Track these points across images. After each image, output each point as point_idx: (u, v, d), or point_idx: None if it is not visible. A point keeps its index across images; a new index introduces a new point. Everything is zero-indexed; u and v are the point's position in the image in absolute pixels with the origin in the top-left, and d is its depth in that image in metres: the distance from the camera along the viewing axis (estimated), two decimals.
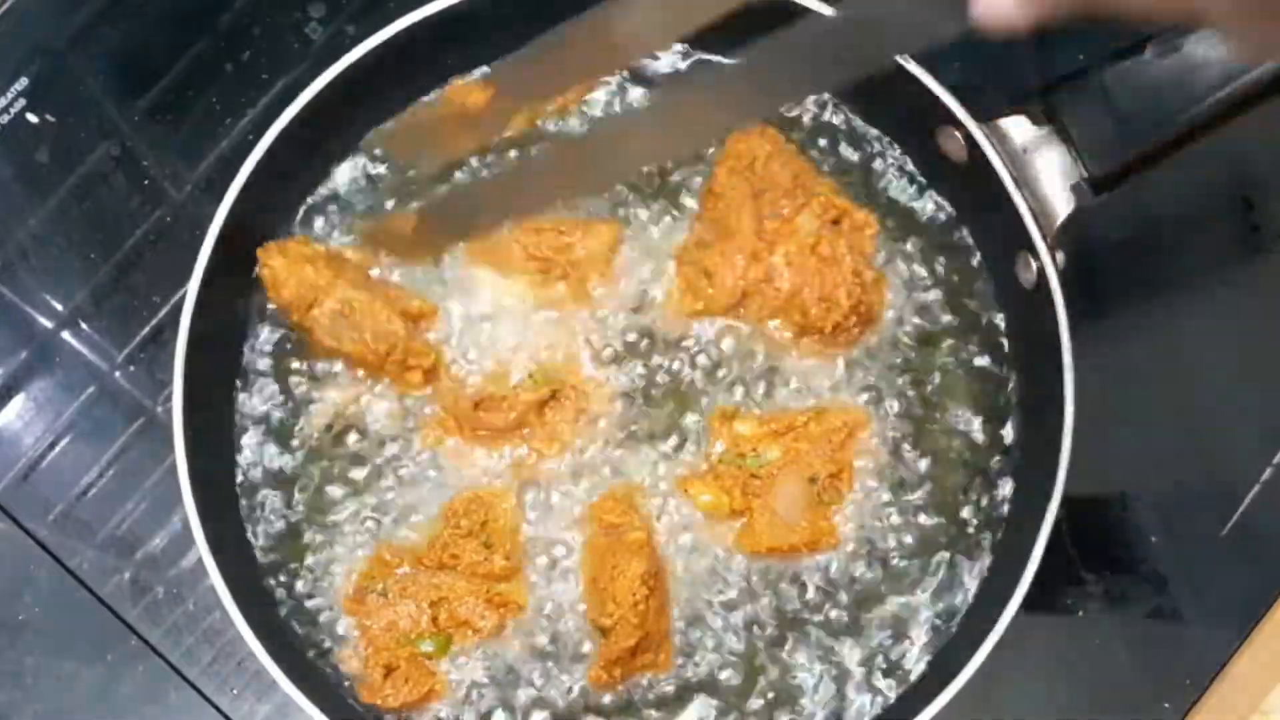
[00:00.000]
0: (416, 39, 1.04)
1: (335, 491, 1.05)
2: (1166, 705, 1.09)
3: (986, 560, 1.04)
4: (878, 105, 1.09)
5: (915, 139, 1.08)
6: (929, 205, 1.10)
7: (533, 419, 1.04)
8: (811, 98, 1.11)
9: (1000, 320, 1.08)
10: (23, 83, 1.19)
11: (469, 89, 1.07)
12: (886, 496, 1.05)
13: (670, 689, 1.02)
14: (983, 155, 0.99)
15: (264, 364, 1.08)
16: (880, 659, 1.03)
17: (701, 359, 1.07)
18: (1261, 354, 1.16)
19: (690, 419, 1.06)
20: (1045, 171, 0.98)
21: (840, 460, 1.04)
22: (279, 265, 1.02)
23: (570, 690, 1.02)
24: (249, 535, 1.05)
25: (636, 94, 1.11)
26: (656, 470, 1.05)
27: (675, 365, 1.07)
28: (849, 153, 1.11)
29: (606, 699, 1.02)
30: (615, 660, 0.99)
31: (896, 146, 1.10)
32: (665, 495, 1.04)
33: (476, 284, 1.07)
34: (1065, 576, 1.10)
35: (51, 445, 1.14)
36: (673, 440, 1.06)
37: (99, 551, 1.11)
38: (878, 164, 1.10)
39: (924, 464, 1.06)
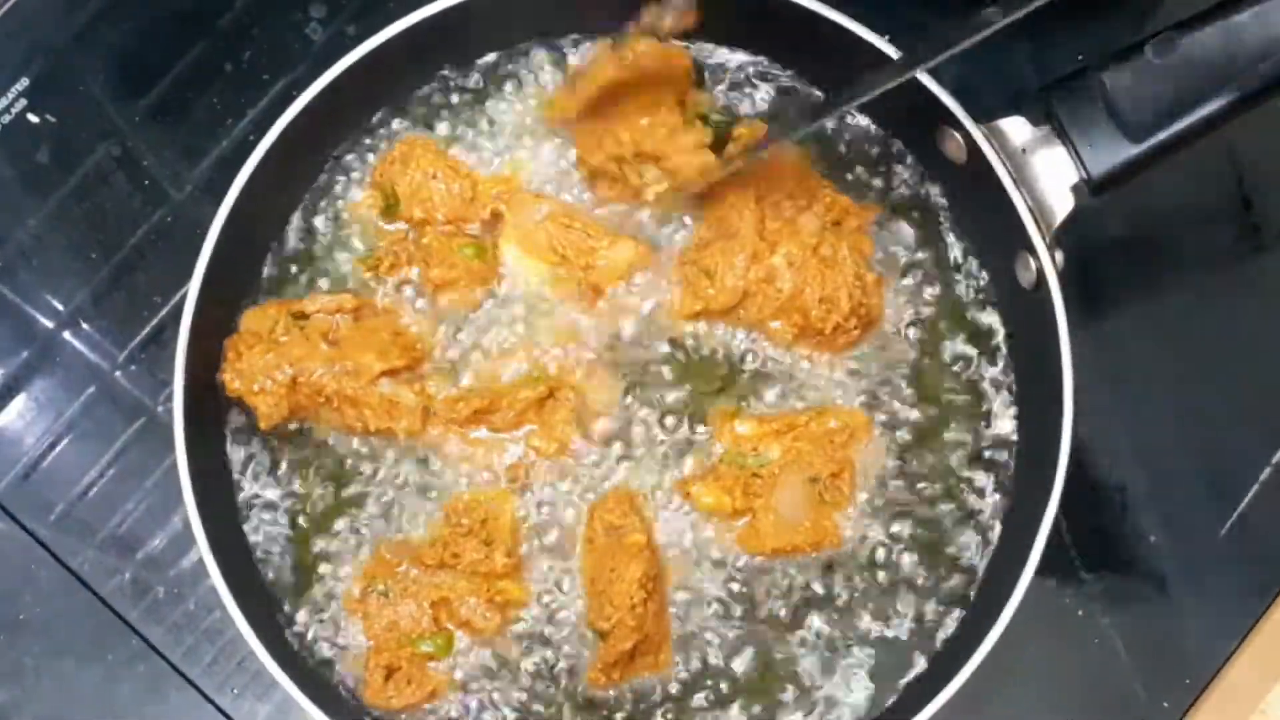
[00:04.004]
0: (417, 39, 1.04)
1: (335, 490, 1.05)
2: (1166, 705, 1.09)
3: (986, 560, 1.04)
4: (877, 106, 1.09)
5: (914, 139, 1.08)
6: (928, 206, 1.10)
7: (532, 417, 1.05)
8: (811, 98, 1.11)
9: (1000, 320, 1.08)
10: (23, 83, 1.19)
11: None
12: (887, 496, 1.05)
13: (670, 688, 1.02)
14: (982, 155, 1.00)
15: None
16: (881, 657, 1.03)
17: (702, 359, 1.07)
18: (1261, 354, 1.16)
19: (690, 419, 1.06)
20: (1044, 172, 0.98)
21: (841, 460, 1.04)
22: (245, 387, 1.02)
23: (571, 689, 1.02)
24: (249, 535, 1.05)
25: None
26: (657, 471, 1.05)
27: (675, 365, 1.07)
28: (849, 154, 1.11)
29: (607, 698, 1.02)
30: (614, 663, 0.99)
31: (896, 147, 1.10)
32: (666, 496, 1.05)
33: (501, 259, 1.08)
34: (1065, 576, 1.10)
35: (52, 445, 1.14)
36: (673, 440, 1.06)
37: (99, 551, 1.11)
38: (877, 165, 1.10)
39: (924, 464, 1.06)
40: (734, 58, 1.12)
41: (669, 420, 1.06)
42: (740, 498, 1.03)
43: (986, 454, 1.06)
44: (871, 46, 1.02)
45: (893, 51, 1.01)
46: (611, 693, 1.02)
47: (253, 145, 1.02)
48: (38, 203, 1.17)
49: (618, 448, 1.06)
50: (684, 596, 1.03)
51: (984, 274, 1.08)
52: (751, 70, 1.11)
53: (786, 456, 1.03)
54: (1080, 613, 1.10)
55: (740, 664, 1.02)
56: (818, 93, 1.11)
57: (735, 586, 1.03)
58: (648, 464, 1.05)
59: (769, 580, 1.03)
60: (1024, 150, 0.99)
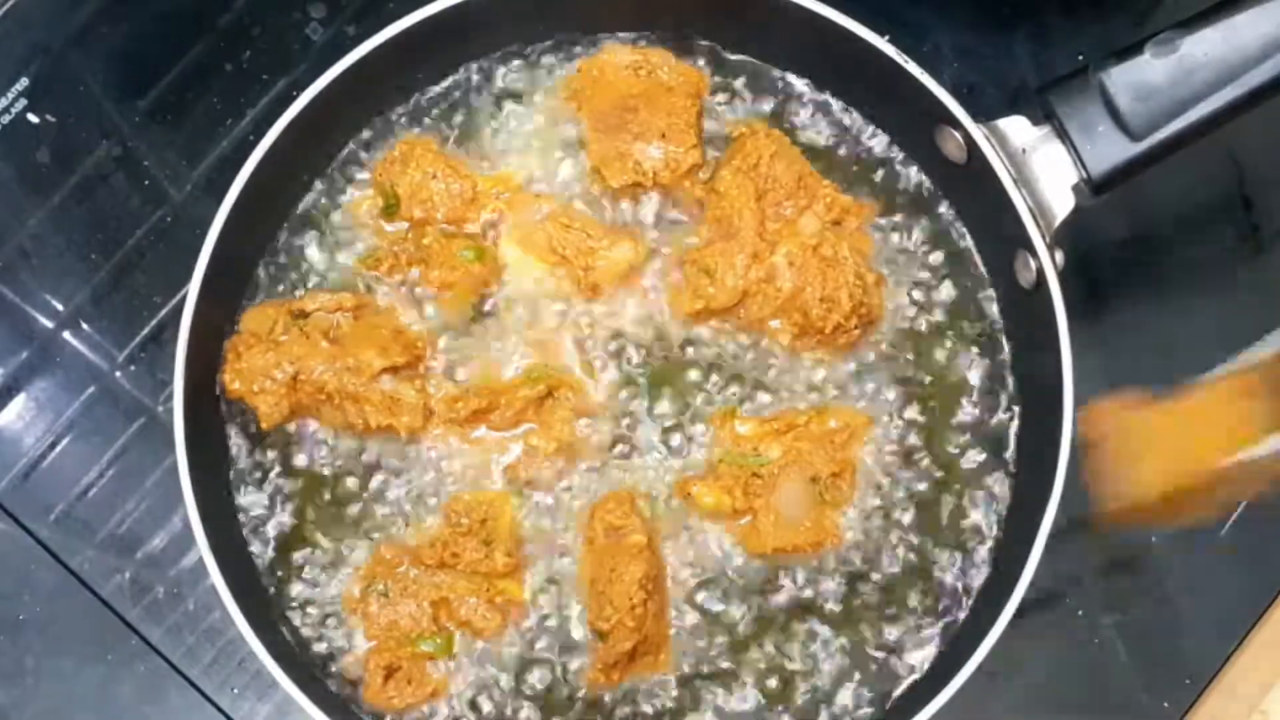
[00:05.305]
0: (417, 39, 1.04)
1: (335, 490, 1.05)
2: (1166, 705, 1.09)
3: (987, 560, 1.04)
4: (878, 106, 1.09)
5: (915, 139, 1.08)
6: (928, 206, 1.10)
7: (531, 416, 1.05)
8: (812, 98, 1.11)
9: (1000, 320, 1.08)
10: (23, 83, 1.19)
11: None
12: (888, 495, 1.05)
13: (670, 688, 1.02)
14: (982, 156, 1.00)
15: None
16: (881, 657, 1.03)
17: (702, 358, 1.07)
18: None
19: (690, 419, 1.06)
20: (1045, 171, 0.98)
21: (842, 460, 1.04)
22: (245, 387, 1.02)
23: (572, 689, 1.02)
24: (249, 535, 1.05)
25: None
26: (657, 470, 1.05)
27: (675, 364, 1.07)
28: (849, 153, 1.11)
29: (607, 697, 1.02)
30: (613, 663, 0.99)
31: (896, 147, 1.10)
32: (667, 495, 1.04)
33: (502, 259, 1.08)
34: (1065, 576, 1.10)
35: (52, 445, 1.14)
36: (673, 440, 1.06)
37: (99, 551, 1.11)
38: (877, 164, 1.10)
39: (924, 463, 1.05)
40: (735, 59, 1.12)
41: (669, 420, 1.06)
42: (741, 498, 1.03)
43: (986, 453, 1.06)
44: (871, 46, 1.02)
45: (893, 52, 1.01)
46: (611, 693, 1.02)
47: (253, 145, 1.02)
48: (38, 203, 1.17)
49: (618, 447, 1.05)
50: (684, 595, 1.03)
51: (984, 273, 1.08)
52: (752, 70, 1.12)
53: (787, 456, 1.03)
54: (1080, 613, 1.10)
55: (741, 663, 1.02)
56: (825, 97, 1.11)
57: (736, 585, 1.03)
58: (648, 464, 1.05)
59: (770, 580, 1.03)
60: (1024, 150, 0.99)
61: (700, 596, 1.03)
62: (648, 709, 1.02)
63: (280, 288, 1.08)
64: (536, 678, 1.02)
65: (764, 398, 1.06)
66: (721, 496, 1.03)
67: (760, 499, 1.03)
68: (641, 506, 1.03)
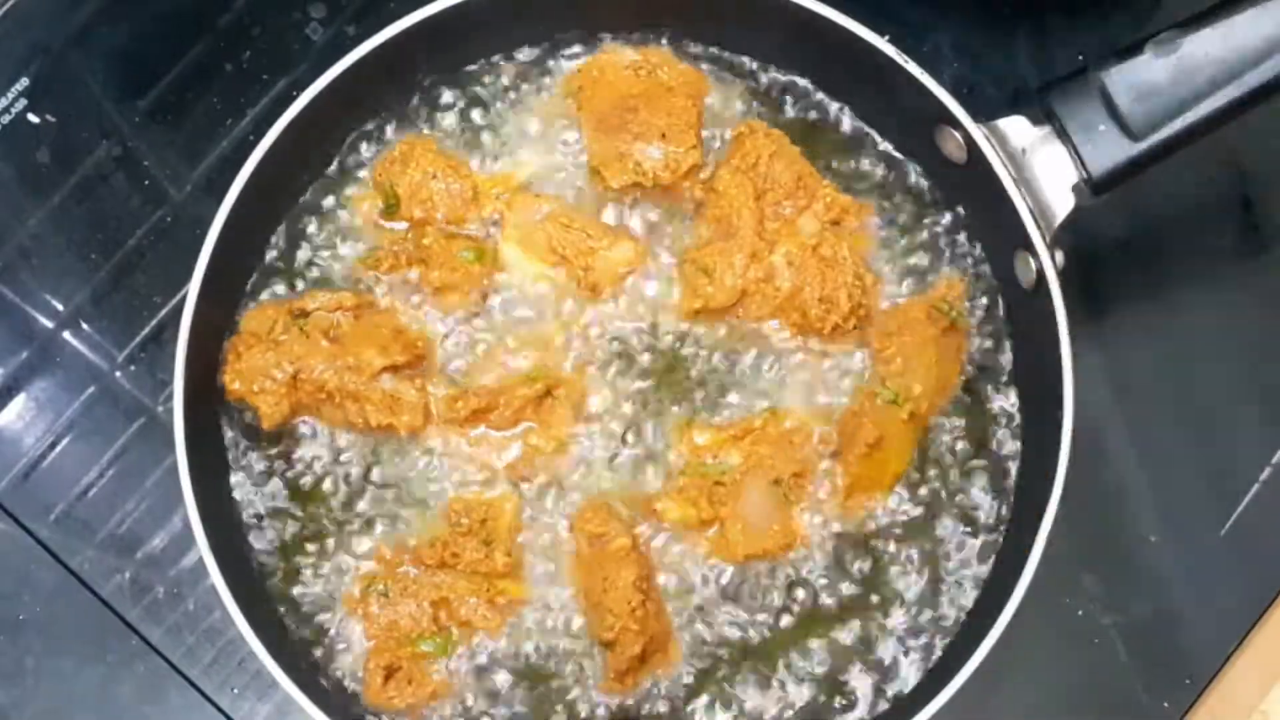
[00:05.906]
0: (417, 40, 1.04)
1: (335, 491, 1.05)
2: (1166, 705, 1.09)
3: (987, 559, 1.04)
4: (878, 105, 1.09)
5: (915, 139, 1.08)
6: (927, 205, 1.10)
7: (530, 415, 1.05)
8: (811, 98, 1.11)
9: (1000, 320, 1.08)
10: (23, 83, 1.19)
11: None
12: (889, 495, 1.05)
13: (674, 686, 1.02)
14: (982, 155, 1.00)
15: None
16: (881, 658, 1.03)
17: (700, 357, 1.07)
18: (1261, 354, 1.16)
19: (688, 417, 1.06)
20: (1044, 172, 0.98)
21: (802, 460, 1.03)
22: (245, 387, 1.02)
23: (573, 687, 1.02)
24: (249, 535, 1.05)
25: None
26: (658, 468, 1.05)
27: (672, 364, 1.07)
28: (849, 153, 1.11)
29: (609, 697, 1.02)
30: (625, 670, 0.98)
31: (896, 147, 1.10)
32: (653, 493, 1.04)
33: (502, 259, 1.08)
34: (1065, 576, 1.10)
35: (52, 445, 1.14)
36: (673, 439, 1.05)
37: (99, 551, 1.11)
38: (877, 164, 1.10)
39: (922, 463, 1.05)
40: (734, 58, 1.12)
41: (668, 419, 1.06)
42: (706, 507, 1.02)
43: (987, 454, 1.06)
44: (871, 46, 1.02)
45: (893, 51, 1.01)
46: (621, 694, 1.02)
47: (253, 145, 1.02)
48: (38, 203, 1.17)
49: (617, 446, 1.05)
50: (679, 595, 1.03)
51: (984, 274, 1.08)
52: (752, 69, 1.12)
53: (748, 462, 1.03)
54: (1080, 613, 1.10)
55: (741, 661, 1.02)
56: (825, 96, 1.11)
57: (729, 584, 1.03)
58: (645, 460, 1.05)
59: (753, 587, 1.03)
60: (1024, 150, 0.99)
61: (696, 595, 1.03)
62: (650, 706, 1.01)
63: (280, 288, 1.09)
64: (537, 676, 1.02)
65: (762, 397, 1.06)
66: (687, 509, 1.02)
67: (726, 507, 1.02)
68: (619, 508, 1.03)
